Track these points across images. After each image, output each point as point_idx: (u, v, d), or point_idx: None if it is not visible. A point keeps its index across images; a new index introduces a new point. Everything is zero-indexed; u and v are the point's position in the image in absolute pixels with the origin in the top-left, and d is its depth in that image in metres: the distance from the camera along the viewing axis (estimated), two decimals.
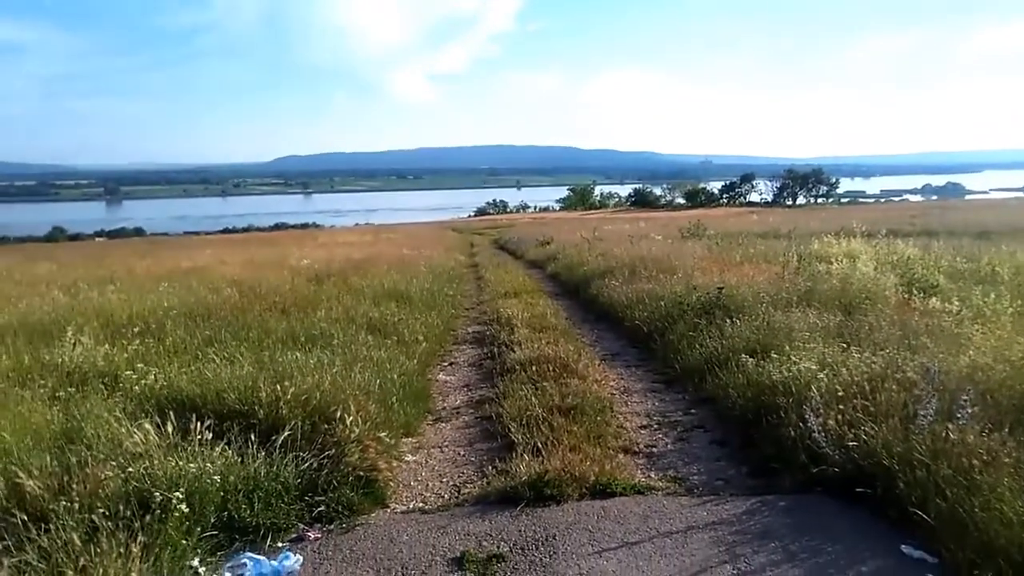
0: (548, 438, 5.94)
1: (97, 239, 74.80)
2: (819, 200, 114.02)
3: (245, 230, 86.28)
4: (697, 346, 8.46)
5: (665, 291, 11.55)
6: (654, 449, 6.21)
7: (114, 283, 14.60)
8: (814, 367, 6.24)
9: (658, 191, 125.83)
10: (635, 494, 5.20)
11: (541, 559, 4.28)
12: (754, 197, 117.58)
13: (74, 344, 7.80)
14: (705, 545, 4.39)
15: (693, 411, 7.22)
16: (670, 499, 5.13)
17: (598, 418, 6.59)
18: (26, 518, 4.02)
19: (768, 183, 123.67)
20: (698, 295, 10.42)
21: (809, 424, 5.28)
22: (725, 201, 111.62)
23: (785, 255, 14.11)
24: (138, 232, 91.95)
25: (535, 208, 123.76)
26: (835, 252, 13.72)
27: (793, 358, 6.65)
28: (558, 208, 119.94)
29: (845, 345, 7.01)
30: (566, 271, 18.87)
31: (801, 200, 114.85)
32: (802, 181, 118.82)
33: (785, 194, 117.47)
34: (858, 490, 4.73)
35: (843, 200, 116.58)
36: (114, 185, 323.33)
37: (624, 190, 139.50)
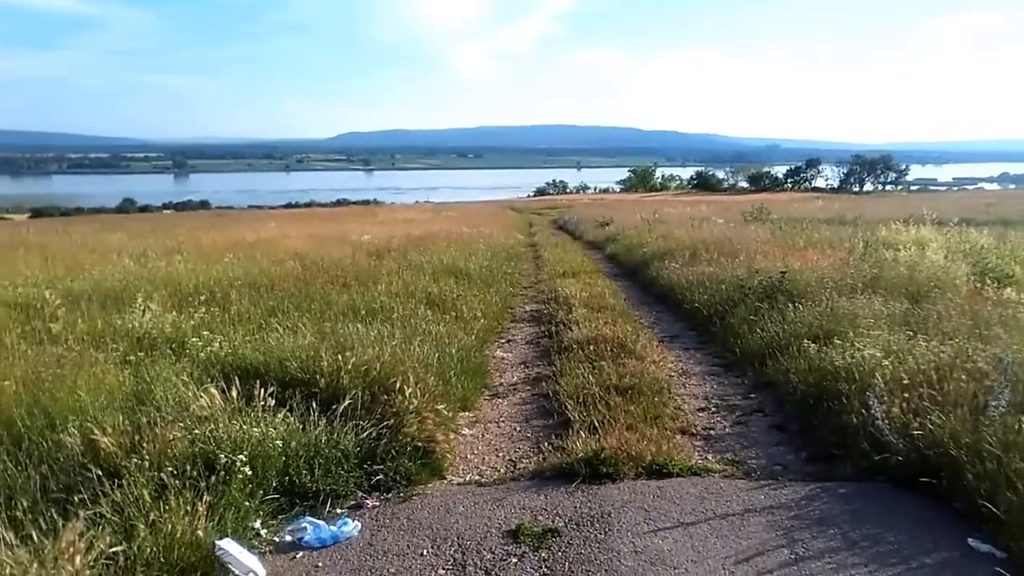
0: (605, 417, 5.95)
1: (165, 211, 76.71)
2: (887, 187, 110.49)
3: (307, 205, 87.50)
4: (758, 330, 8.34)
5: (726, 274, 11.42)
6: (712, 432, 6.16)
7: (181, 253, 14.99)
8: (879, 354, 6.09)
9: (721, 174, 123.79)
10: (692, 475, 5.17)
11: (596, 535, 4.29)
12: (819, 183, 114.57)
13: (144, 311, 8.03)
14: (762, 528, 4.35)
15: (752, 395, 7.13)
16: (727, 482, 5.08)
17: (655, 399, 6.57)
18: (100, 473, 4.18)
19: (835, 169, 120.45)
20: (760, 279, 10.27)
21: (872, 411, 5.18)
22: (790, 186, 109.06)
23: (851, 241, 13.81)
24: (204, 205, 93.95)
25: (595, 189, 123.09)
26: (903, 239, 13.38)
27: (857, 344, 6.52)
28: (618, 189, 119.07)
29: (911, 333, 6.82)
30: (625, 252, 18.77)
31: (868, 187, 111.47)
32: (870, 167, 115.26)
33: (852, 180, 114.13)
34: (923, 480, 4.62)
35: (912, 188, 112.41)
36: (182, 158, 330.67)
37: (686, 173, 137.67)
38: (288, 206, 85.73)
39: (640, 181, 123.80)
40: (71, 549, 3.25)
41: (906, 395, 5.20)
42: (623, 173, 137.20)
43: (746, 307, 9.43)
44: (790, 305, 8.67)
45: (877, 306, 8.11)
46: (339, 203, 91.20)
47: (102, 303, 8.89)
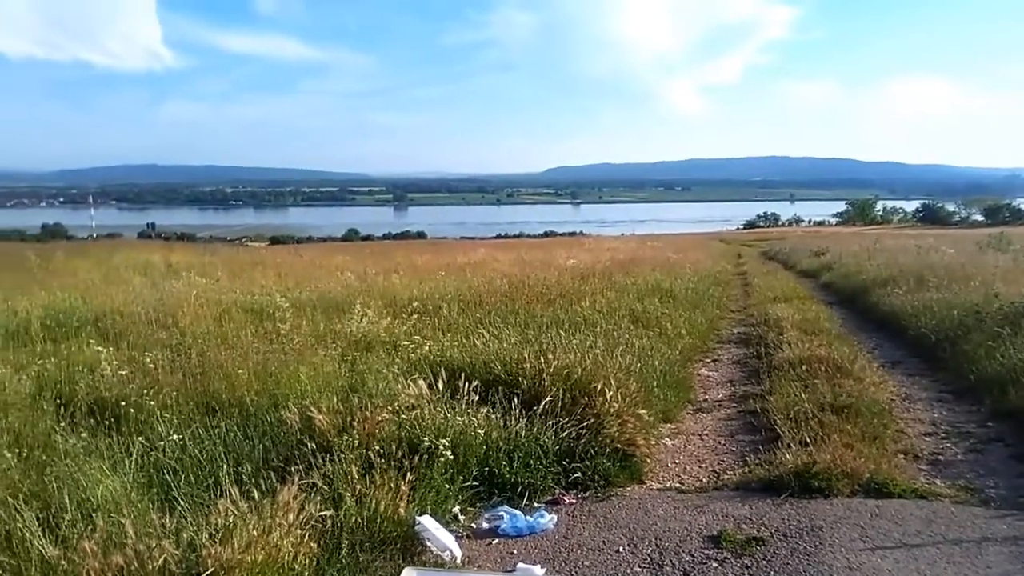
0: (817, 434, 5.56)
1: (385, 240, 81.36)
2: None
3: (516, 236, 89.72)
4: (997, 356, 7.52)
5: (958, 300, 10.45)
6: (940, 457, 5.60)
7: (397, 272, 15.78)
8: None
9: (951, 207, 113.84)
10: (916, 498, 4.71)
11: (805, 548, 3.99)
12: None
13: (361, 317, 8.51)
14: (1004, 559, 3.85)
15: (990, 424, 6.41)
16: (960, 508, 4.58)
17: (874, 420, 6.08)
18: (315, 447, 4.47)
19: None
20: (1000, 304, 9.30)
21: None
22: None
23: None
24: (420, 235, 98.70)
25: (809, 222, 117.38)
26: None
27: None
28: (834, 222, 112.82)
29: None
30: (842, 280, 17.72)
31: None
32: None
33: None
34: None
35: None
36: (401, 192, 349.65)
37: (910, 206, 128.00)
38: (498, 237, 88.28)
39: (859, 214, 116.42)
40: (286, 507, 3.45)
41: None
42: (840, 206, 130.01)
43: (983, 332, 8.55)
44: None
45: None
46: (546, 235, 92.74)
47: (325, 310, 9.53)
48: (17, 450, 4.36)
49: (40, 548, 3.17)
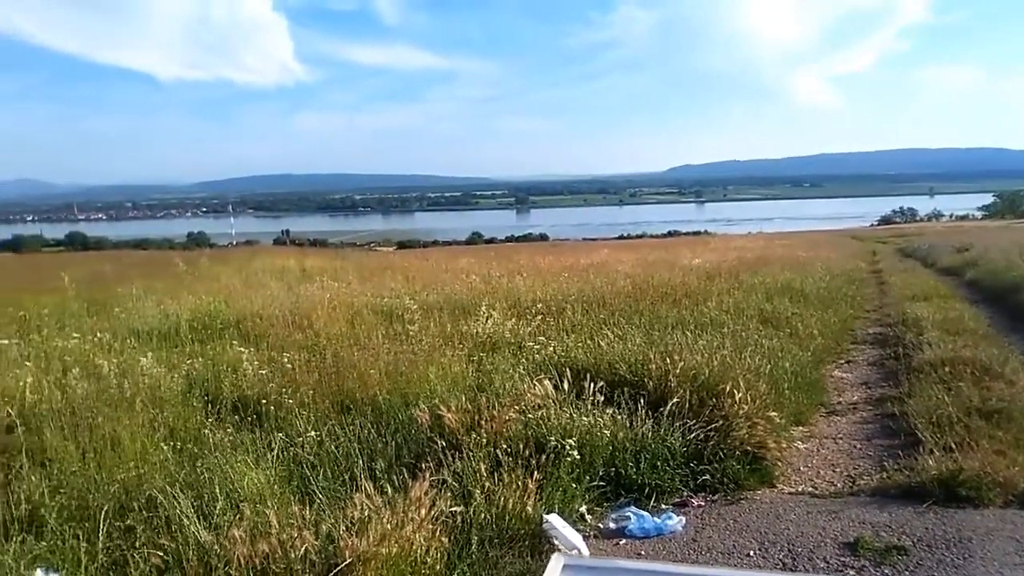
0: (963, 439, 5.26)
1: (508, 243, 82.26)
2: None
3: (639, 236, 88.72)
4: None
5: None
6: None
7: (520, 274, 15.93)
8: None
9: None
10: None
11: (952, 559, 3.79)
12: None
13: (487, 318, 8.65)
14: None
15: None
16: None
17: None
18: (444, 445, 4.61)
19: None
20: None
21: None
22: None
23: None
24: (542, 237, 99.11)
25: (950, 216, 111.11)
26: None
27: None
28: (979, 216, 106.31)
29: None
30: (989, 277, 16.67)
31: None
32: None
33: None
34: None
35: None
36: (523, 195, 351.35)
37: None
38: (620, 237, 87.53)
39: (1007, 206, 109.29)
40: (418, 502, 3.57)
41: None
42: (986, 198, 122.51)
43: None
44: None
45: None
46: (670, 234, 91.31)
47: (451, 312, 9.73)
48: (172, 443, 4.70)
49: (196, 533, 3.41)
